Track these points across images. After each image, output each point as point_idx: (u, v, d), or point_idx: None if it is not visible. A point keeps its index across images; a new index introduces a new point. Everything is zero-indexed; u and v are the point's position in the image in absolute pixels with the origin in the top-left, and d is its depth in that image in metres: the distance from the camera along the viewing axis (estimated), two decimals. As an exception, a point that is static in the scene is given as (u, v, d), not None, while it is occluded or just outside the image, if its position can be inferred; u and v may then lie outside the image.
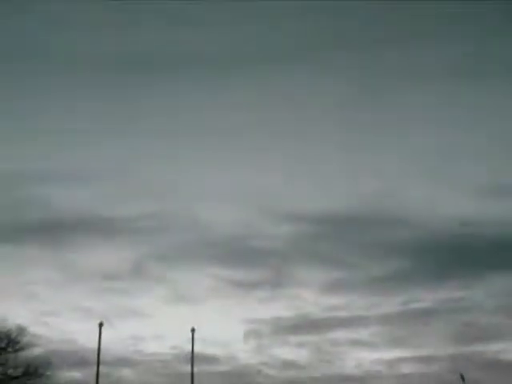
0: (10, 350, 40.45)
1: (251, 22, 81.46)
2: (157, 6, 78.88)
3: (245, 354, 60.11)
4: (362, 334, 64.43)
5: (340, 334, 63.96)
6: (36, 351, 41.25)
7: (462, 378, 46.25)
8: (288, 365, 59.19)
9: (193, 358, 43.60)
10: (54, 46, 77.94)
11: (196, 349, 44.32)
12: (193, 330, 44.36)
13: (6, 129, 76.40)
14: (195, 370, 43.41)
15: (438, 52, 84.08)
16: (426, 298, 68.04)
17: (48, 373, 40.65)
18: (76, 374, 46.70)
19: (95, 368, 40.74)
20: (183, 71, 79.44)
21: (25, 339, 40.86)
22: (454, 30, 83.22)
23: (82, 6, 76.49)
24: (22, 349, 40.65)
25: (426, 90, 79.72)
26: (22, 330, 40.90)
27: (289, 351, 61.63)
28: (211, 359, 54.91)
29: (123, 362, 52.27)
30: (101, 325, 41.95)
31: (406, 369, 60.63)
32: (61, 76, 75.94)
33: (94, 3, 76.45)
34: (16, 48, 77.51)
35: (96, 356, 41.08)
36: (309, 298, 66.07)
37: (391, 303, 66.09)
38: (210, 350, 54.89)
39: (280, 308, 66.19)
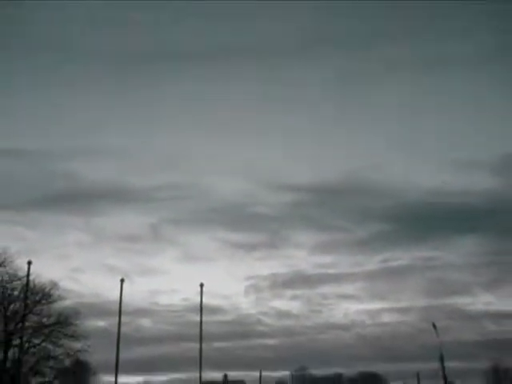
0: (43, 302, 43.28)
1: (253, 20, 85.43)
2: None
3: (246, 305, 66.30)
4: (348, 288, 71.13)
5: (329, 289, 70.60)
6: (66, 303, 44.41)
7: (434, 326, 50.69)
8: (283, 315, 65.42)
9: (201, 308, 47.04)
10: (84, 41, 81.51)
11: (204, 301, 47.56)
12: (201, 285, 47.48)
13: (37, 114, 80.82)
14: (203, 318, 46.76)
15: (420, 47, 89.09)
16: (403, 257, 74.83)
17: (77, 322, 43.90)
18: (101, 323, 51.46)
19: (117, 317, 43.62)
20: (185, 63, 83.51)
21: (57, 293, 43.82)
22: (423, 29, 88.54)
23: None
24: (54, 301, 43.62)
25: (407, 80, 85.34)
26: (54, 285, 43.84)
27: (284, 303, 68.05)
28: (217, 310, 60.16)
29: (141, 312, 57.05)
30: (122, 280, 44.47)
31: (386, 318, 67.65)
32: (89, 67, 79.99)
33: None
34: (51, 41, 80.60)
35: (118, 307, 44.01)
36: (301, 257, 72.26)
37: (373, 261, 72.67)
38: (215, 302, 60.20)
39: (276, 266, 72.50)
